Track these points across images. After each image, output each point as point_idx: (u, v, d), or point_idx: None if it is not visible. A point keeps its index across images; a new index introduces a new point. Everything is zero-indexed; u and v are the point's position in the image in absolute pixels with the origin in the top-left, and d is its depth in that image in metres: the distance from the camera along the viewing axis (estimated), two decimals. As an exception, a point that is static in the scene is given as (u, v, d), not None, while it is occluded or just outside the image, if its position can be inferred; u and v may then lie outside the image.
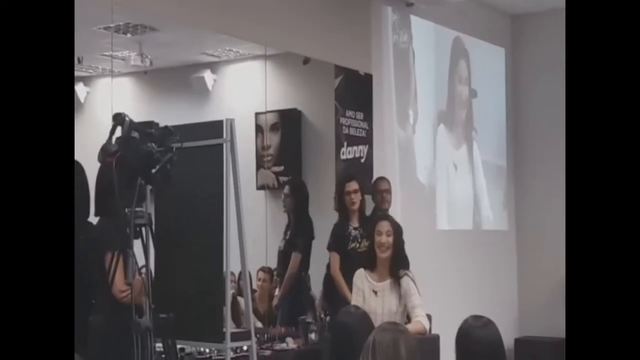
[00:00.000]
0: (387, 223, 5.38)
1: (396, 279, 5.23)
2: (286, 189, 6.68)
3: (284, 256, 6.51)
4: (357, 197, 6.39)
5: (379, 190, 6.73)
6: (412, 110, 7.93)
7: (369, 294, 5.25)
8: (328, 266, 6.38)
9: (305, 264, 6.46)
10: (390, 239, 5.28)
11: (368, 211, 6.55)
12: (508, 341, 8.69)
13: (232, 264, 4.76)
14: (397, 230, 5.43)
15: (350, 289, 5.48)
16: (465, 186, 8.69)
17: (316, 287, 6.56)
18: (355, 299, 5.22)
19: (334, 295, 6.14)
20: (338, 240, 6.32)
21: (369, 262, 5.34)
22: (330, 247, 6.35)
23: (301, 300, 6.46)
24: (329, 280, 6.33)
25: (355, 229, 6.35)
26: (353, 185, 6.42)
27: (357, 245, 6.26)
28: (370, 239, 5.42)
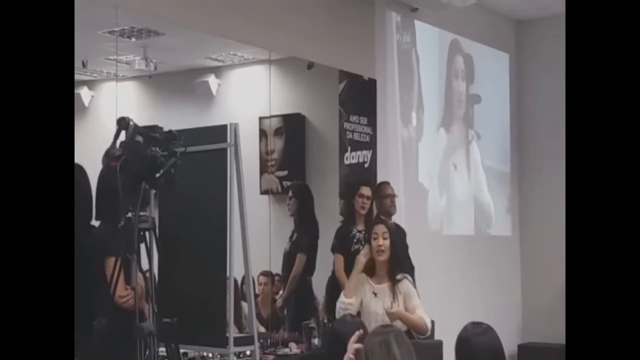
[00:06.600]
0: (383, 226, 5.37)
1: (395, 283, 5.22)
2: (290, 192, 6.68)
3: (288, 258, 6.51)
4: (368, 203, 6.42)
5: (387, 195, 6.72)
6: (415, 115, 7.93)
7: (369, 296, 5.24)
8: (333, 271, 6.37)
9: (310, 266, 6.46)
10: (387, 242, 5.26)
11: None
12: (511, 347, 8.67)
13: (235, 269, 4.76)
14: (395, 233, 5.41)
15: None
16: (468, 191, 8.68)
17: (319, 292, 6.55)
18: (355, 302, 5.22)
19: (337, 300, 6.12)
20: (342, 242, 6.33)
21: (369, 268, 5.33)
22: (334, 249, 6.35)
23: (305, 305, 6.45)
24: (332, 285, 6.31)
25: (359, 231, 6.35)
26: (368, 191, 6.45)
27: (361, 247, 6.26)
28: (368, 244, 5.41)
